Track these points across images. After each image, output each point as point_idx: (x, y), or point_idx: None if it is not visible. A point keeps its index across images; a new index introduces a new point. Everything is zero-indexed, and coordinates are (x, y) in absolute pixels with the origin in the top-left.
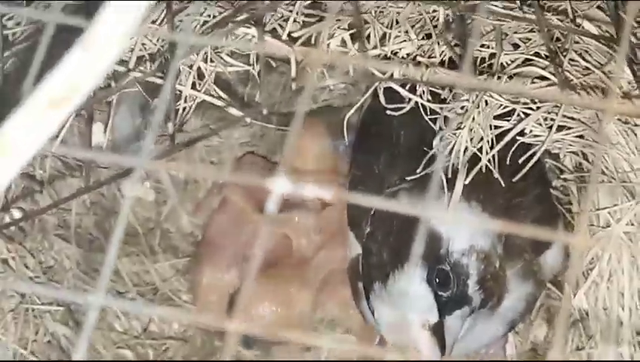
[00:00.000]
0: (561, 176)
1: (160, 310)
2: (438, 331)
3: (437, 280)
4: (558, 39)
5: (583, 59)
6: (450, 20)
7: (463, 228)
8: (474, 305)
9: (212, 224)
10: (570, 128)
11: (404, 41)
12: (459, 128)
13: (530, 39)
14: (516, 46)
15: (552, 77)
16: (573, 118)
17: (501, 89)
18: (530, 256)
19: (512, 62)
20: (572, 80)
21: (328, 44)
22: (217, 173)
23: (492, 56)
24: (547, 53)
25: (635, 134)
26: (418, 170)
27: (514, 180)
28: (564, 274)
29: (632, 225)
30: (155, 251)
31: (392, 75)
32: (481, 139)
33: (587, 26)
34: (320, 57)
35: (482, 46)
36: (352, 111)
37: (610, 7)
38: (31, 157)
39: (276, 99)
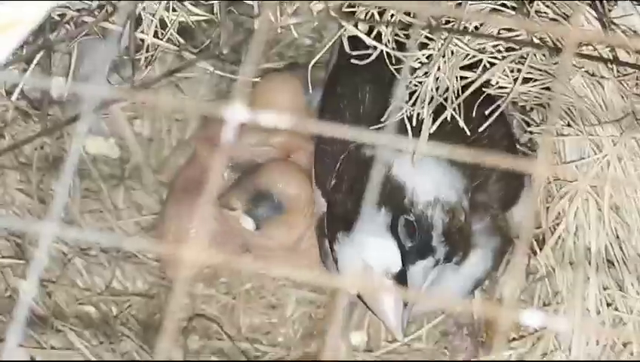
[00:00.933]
0: (528, 130)
1: (109, 239)
2: (401, 279)
3: (401, 230)
4: None
5: (551, 10)
6: None
7: (427, 180)
8: (438, 256)
9: (179, 180)
10: (536, 80)
11: None
12: (425, 75)
13: None
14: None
15: (518, 28)
16: (539, 70)
17: (469, 15)
18: (496, 211)
19: (479, 11)
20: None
21: None
22: (181, 103)
23: (458, 6)
24: (514, 4)
25: (602, 87)
26: (382, 119)
27: (481, 132)
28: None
29: (599, 178)
30: (119, 208)
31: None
32: (447, 89)
33: None
34: None
35: None
36: (317, 58)
37: None
38: None
39: (237, 47)
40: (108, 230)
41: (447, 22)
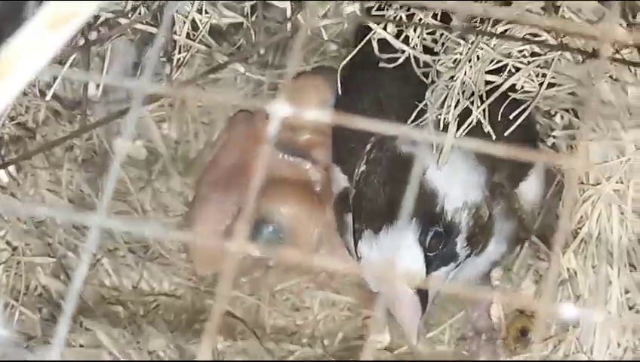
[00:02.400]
0: (552, 134)
1: (159, 230)
2: (422, 290)
3: (429, 242)
4: None
5: (576, 16)
6: None
7: (458, 183)
8: (460, 260)
9: (205, 177)
10: (561, 85)
11: None
12: (451, 80)
13: None
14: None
15: (544, 33)
16: (564, 75)
17: (502, 15)
18: (507, 189)
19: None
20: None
21: None
22: (225, 99)
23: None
24: (540, 11)
25: (626, 92)
26: (409, 121)
27: (506, 136)
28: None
29: (622, 183)
30: (145, 209)
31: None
32: (472, 94)
33: None
34: None
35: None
36: (346, 60)
37: None
38: (30, 79)
39: (269, 50)
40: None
41: (474, 27)
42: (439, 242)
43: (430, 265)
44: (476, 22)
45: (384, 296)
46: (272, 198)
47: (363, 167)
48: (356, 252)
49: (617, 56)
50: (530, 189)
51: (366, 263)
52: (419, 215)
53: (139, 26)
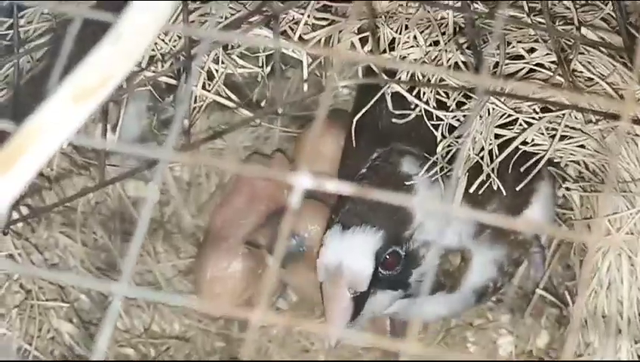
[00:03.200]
0: (564, 186)
1: (180, 299)
2: (359, 301)
3: (384, 258)
4: (562, 50)
5: (587, 70)
6: (458, 28)
7: (437, 220)
8: (410, 292)
9: (215, 217)
10: (571, 138)
11: (413, 46)
12: (460, 137)
13: (534, 49)
14: (520, 57)
15: (557, 93)
16: (574, 128)
17: (516, 88)
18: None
19: (517, 72)
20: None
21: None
22: (239, 166)
23: (496, 65)
24: (551, 65)
25: (637, 144)
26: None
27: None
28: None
29: (632, 234)
30: (157, 251)
31: (401, 78)
32: (482, 149)
33: (591, 36)
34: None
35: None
36: (361, 113)
37: (618, 17)
38: (56, 150)
39: (283, 102)
40: (147, 273)
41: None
42: (395, 263)
43: (378, 281)
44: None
45: (324, 289)
46: (303, 214)
47: (363, 170)
48: (321, 240)
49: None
50: (533, 216)
51: (324, 251)
52: (387, 230)
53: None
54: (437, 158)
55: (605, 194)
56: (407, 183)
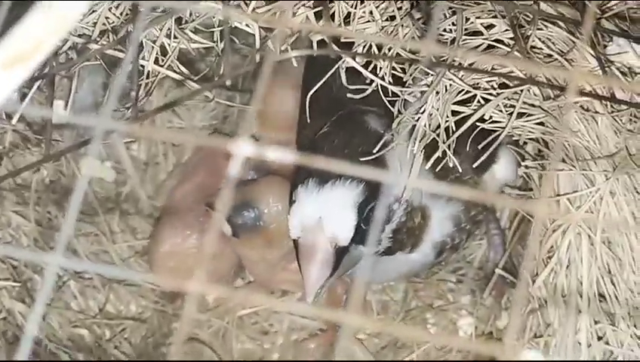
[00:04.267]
0: (523, 164)
1: (116, 271)
2: (339, 256)
3: (366, 212)
4: (521, 26)
5: (547, 46)
6: (415, 3)
7: (405, 178)
8: (379, 249)
9: (175, 193)
10: (530, 115)
11: (369, 21)
12: (417, 113)
13: (493, 25)
14: (479, 33)
15: (511, 66)
16: (533, 105)
17: (468, 56)
18: (468, 176)
19: (475, 48)
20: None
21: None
22: (186, 137)
23: (453, 41)
24: (510, 41)
25: (596, 122)
26: (374, 151)
27: (474, 167)
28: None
29: (592, 212)
30: (114, 231)
31: (356, 51)
32: (439, 126)
33: (550, 11)
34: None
35: (444, 31)
36: (315, 88)
37: None
38: None
39: (231, 73)
40: (103, 253)
41: (444, 60)
42: (373, 218)
43: (356, 235)
44: (444, 55)
45: (301, 245)
46: (263, 188)
47: (326, 129)
48: (291, 195)
49: (587, 90)
50: (500, 171)
51: (298, 208)
52: (368, 183)
53: (108, 51)
54: (392, 134)
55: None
56: (376, 138)
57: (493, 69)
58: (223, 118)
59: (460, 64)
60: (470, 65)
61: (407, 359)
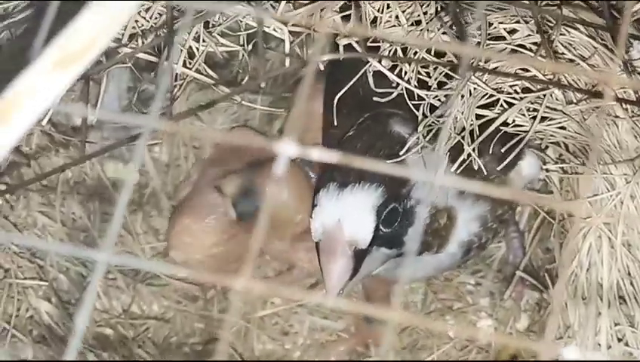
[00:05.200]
0: (544, 168)
1: (162, 266)
2: (359, 258)
3: (385, 215)
4: (544, 31)
5: (569, 51)
6: (440, 8)
7: (430, 180)
8: (403, 251)
9: (193, 185)
10: (552, 119)
11: (394, 25)
12: (441, 116)
13: (515, 30)
14: (502, 38)
15: (534, 70)
16: (555, 109)
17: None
18: (500, 177)
19: (498, 52)
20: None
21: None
22: (222, 134)
23: (477, 45)
24: (532, 46)
25: (617, 126)
26: (401, 153)
27: (498, 170)
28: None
29: (612, 216)
30: (137, 233)
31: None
32: (463, 129)
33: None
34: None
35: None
36: (344, 90)
37: None
38: (37, 118)
39: (265, 76)
40: (126, 254)
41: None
42: (394, 221)
43: (376, 238)
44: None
45: (321, 248)
46: (267, 174)
47: (351, 132)
48: (314, 199)
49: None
50: (526, 168)
51: (319, 211)
52: (386, 186)
53: (140, 55)
54: (418, 137)
55: (589, 167)
56: (399, 142)
57: (516, 73)
58: (244, 120)
59: (485, 68)
60: (494, 69)
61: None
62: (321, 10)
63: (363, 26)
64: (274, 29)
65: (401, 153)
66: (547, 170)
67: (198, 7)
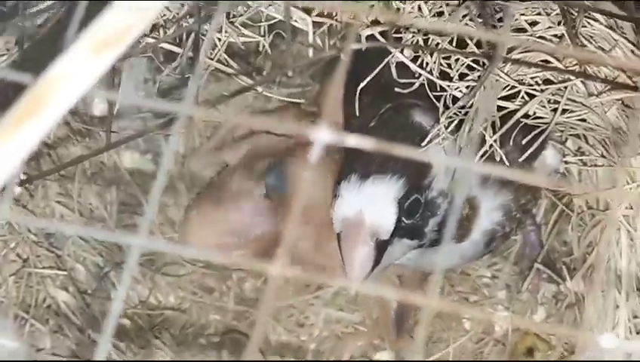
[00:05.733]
0: (564, 160)
1: (194, 251)
2: (381, 249)
3: (406, 206)
4: (567, 23)
5: (590, 43)
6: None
7: (451, 171)
8: (424, 241)
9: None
10: (573, 111)
11: (417, 17)
12: (464, 107)
13: (536, 22)
14: (523, 30)
15: (555, 62)
16: (575, 101)
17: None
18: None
19: (519, 45)
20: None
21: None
22: (257, 120)
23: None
24: (553, 38)
25: (638, 118)
26: (423, 144)
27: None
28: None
29: (631, 208)
30: (152, 223)
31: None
32: (486, 120)
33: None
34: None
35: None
36: (366, 82)
37: None
38: (73, 103)
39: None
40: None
41: (487, 56)
42: (415, 212)
43: (398, 229)
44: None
45: (342, 239)
46: (298, 158)
47: (373, 123)
48: (335, 190)
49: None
50: (549, 155)
51: (341, 202)
52: (408, 177)
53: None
54: (439, 129)
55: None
56: (420, 133)
57: (539, 64)
58: (261, 111)
59: (510, 58)
60: (518, 60)
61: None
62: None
63: (390, 13)
64: (296, 20)
65: (422, 144)
66: (566, 163)
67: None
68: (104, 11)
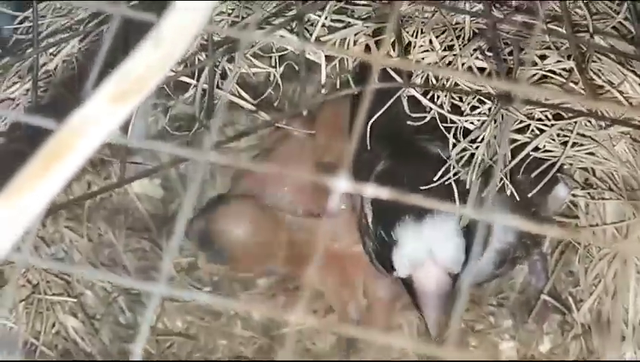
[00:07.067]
0: (571, 192)
1: (223, 300)
2: (455, 282)
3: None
4: (577, 60)
5: (598, 77)
6: (472, 34)
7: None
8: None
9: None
10: (581, 145)
11: (427, 50)
12: (474, 141)
13: (546, 56)
14: (533, 64)
15: (568, 98)
16: (584, 135)
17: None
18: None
19: (528, 79)
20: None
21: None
22: (276, 166)
23: (509, 72)
24: (562, 71)
25: None
26: (435, 178)
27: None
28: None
29: (638, 241)
30: (161, 248)
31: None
32: (495, 153)
33: (603, 44)
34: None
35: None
36: (376, 116)
37: (635, 25)
38: (94, 151)
39: (308, 102)
40: (150, 270)
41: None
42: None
43: (468, 260)
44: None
45: (416, 282)
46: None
47: (390, 159)
48: (390, 236)
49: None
50: (561, 189)
51: (403, 246)
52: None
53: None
54: (450, 163)
55: None
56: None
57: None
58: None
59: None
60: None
61: None
62: (355, 34)
63: (406, 60)
64: (308, 53)
65: (435, 178)
66: (574, 195)
67: (246, 38)
68: (126, 60)
